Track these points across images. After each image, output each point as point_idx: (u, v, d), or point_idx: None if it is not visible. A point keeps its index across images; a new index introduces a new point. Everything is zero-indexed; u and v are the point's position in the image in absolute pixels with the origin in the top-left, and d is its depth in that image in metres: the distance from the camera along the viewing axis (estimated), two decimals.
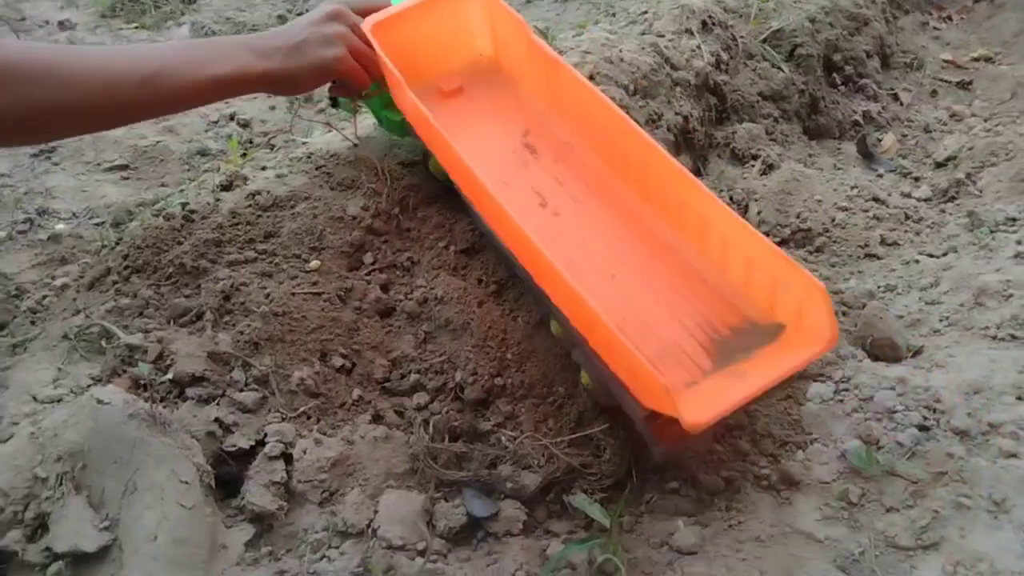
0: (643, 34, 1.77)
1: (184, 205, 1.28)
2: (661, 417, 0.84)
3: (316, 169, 1.37)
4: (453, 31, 1.29)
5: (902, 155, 1.94)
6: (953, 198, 1.66)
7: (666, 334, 0.95)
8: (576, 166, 1.18)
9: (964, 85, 2.29)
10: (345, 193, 1.32)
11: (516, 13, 1.22)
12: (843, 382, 1.05)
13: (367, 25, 1.14)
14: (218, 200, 1.33)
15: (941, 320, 1.19)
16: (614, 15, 2.01)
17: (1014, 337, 1.08)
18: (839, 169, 1.85)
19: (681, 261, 1.03)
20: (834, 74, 2.11)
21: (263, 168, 1.43)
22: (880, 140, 1.99)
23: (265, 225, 1.27)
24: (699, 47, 1.76)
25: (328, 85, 1.22)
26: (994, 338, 1.10)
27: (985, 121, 1.99)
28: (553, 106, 1.24)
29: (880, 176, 1.84)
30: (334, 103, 1.34)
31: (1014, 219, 1.44)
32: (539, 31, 1.82)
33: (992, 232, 1.42)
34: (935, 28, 2.59)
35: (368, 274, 1.22)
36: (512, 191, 1.14)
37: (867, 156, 1.91)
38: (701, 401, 0.81)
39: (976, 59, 2.40)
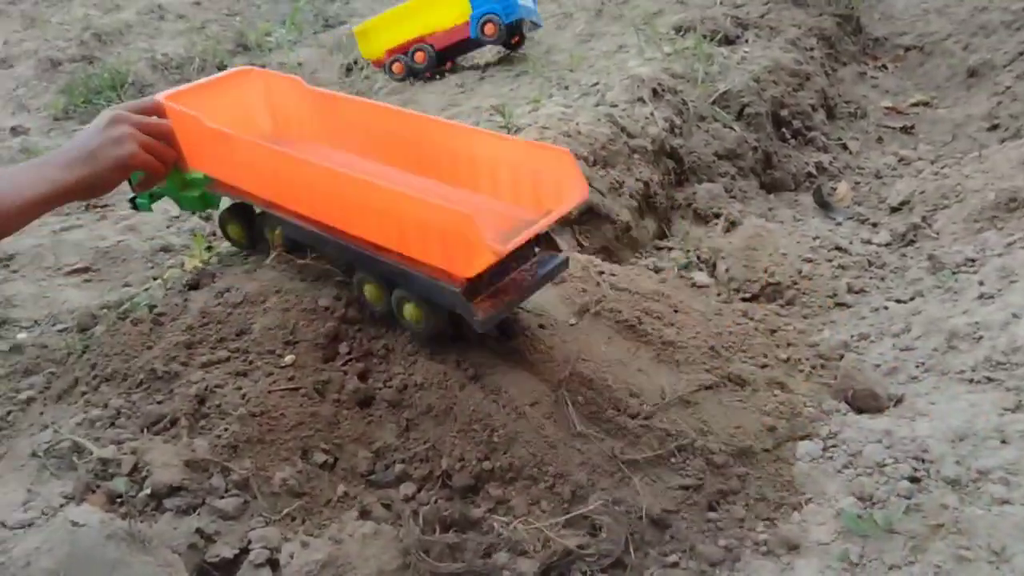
0: (597, 105, 1.82)
1: (152, 308, 1.26)
2: (476, 288, 1.04)
3: (285, 262, 1.37)
4: (234, 111, 1.37)
5: (857, 202, 2.00)
6: (912, 241, 1.71)
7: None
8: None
9: (907, 130, 2.38)
10: (316, 284, 1.31)
11: (291, 76, 1.38)
12: (830, 438, 1.05)
13: (160, 96, 1.23)
14: (187, 300, 1.31)
15: (917, 366, 1.21)
16: (567, 88, 2.06)
17: (990, 379, 1.10)
18: (799, 220, 1.89)
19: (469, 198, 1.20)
20: (783, 129, 2.18)
21: (230, 259, 1.42)
22: (835, 189, 2.05)
23: (236, 323, 1.25)
24: (652, 114, 1.81)
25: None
26: (971, 381, 1.12)
27: (932, 164, 2.06)
28: (340, 137, 1.35)
29: (839, 224, 1.89)
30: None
31: (973, 259, 1.48)
32: (498, 108, 1.86)
33: (954, 274, 1.46)
34: (873, 77, 2.70)
35: (344, 364, 1.20)
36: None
37: (824, 206, 1.96)
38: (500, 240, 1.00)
39: (915, 104, 2.51)
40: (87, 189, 1.13)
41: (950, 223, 1.65)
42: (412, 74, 2.66)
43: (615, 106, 1.81)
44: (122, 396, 1.13)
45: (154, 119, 1.21)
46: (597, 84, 1.96)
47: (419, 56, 2.60)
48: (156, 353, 1.16)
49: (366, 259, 1.14)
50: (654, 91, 1.89)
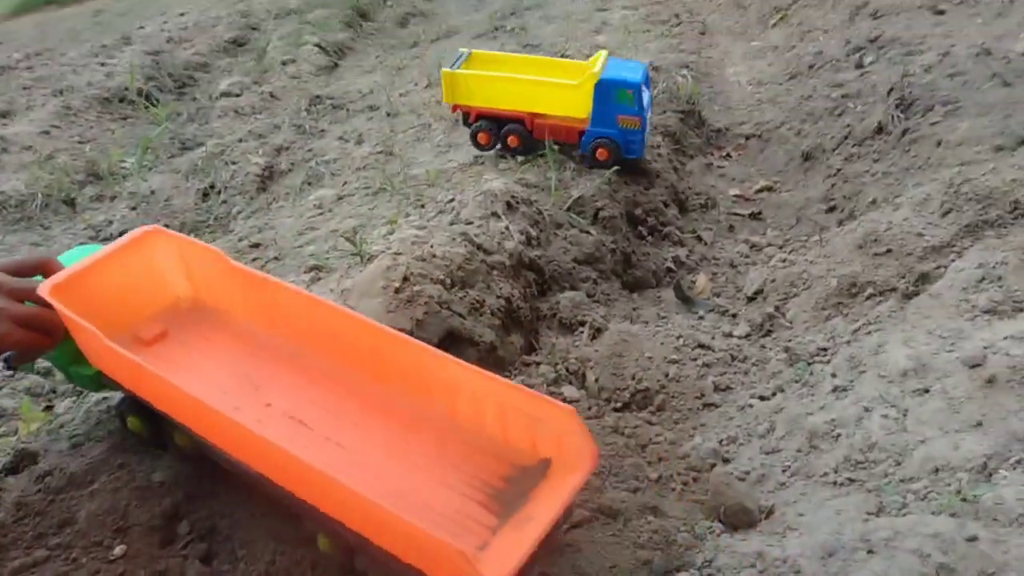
0: (452, 224, 1.80)
1: None
2: None
3: (119, 429, 1.24)
4: (144, 277, 1.25)
5: (716, 293, 2.05)
6: (769, 331, 1.75)
7: (444, 505, 0.96)
8: (309, 375, 1.15)
9: (755, 216, 2.50)
10: (152, 454, 1.19)
11: (211, 247, 1.22)
12: (706, 566, 1.01)
13: (44, 291, 1.06)
14: (1, 490, 1.16)
15: (784, 471, 1.20)
16: (423, 206, 2.05)
17: (851, 480, 1.10)
18: (663, 318, 1.92)
19: (438, 431, 1.05)
20: (640, 227, 2.23)
21: (59, 430, 1.28)
22: (694, 282, 2.10)
23: (59, 512, 1.11)
24: (508, 228, 1.81)
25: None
26: (835, 484, 1.12)
27: (780, 249, 2.15)
28: (271, 323, 1.21)
29: (701, 318, 1.93)
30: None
31: (824, 348, 1.52)
32: (348, 237, 1.81)
33: (809, 364, 1.49)
34: (719, 167, 2.85)
35: (184, 547, 1.08)
36: (249, 414, 1.09)
37: (685, 300, 2.00)
38: (500, 556, 0.85)
39: (760, 190, 2.64)
40: None
41: (801, 311, 1.71)
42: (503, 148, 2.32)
43: (470, 223, 1.80)
44: None
45: (36, 282, 1.06)
46: (453, 200, 1.96)
47: (512, 140, 2.27)
48: None
49: (315, 514, 0.93)
50: (508, 204, 1.90)
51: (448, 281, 1.59)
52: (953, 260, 1.56)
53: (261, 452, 0.95)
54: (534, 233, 1.88)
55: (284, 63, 4.79)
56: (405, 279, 1.53)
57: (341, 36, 5.54)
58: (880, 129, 2.43)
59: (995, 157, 1.96)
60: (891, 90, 2.51)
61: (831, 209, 2.30)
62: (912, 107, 2.40)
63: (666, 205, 2.31)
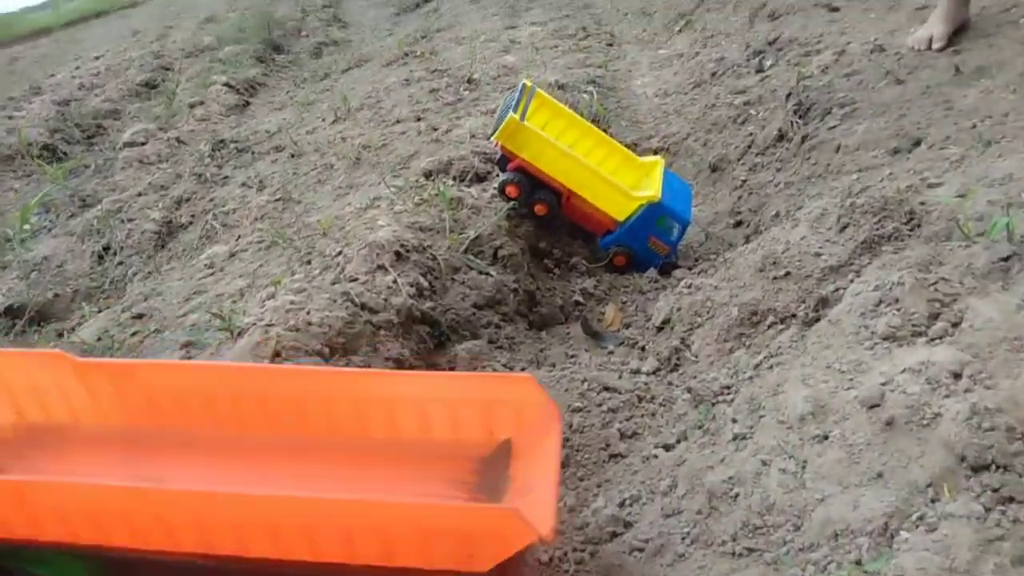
0: (335, 282, 1.69)
1: None
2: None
3: None
4: None
5: (627, 323, 1.97)
6: (676, 366, 1.68)
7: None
8: (215, 449, 1.05)
9: None
10: None
11: (50, 353, 1.10)
12: None
13: None
14: None
15: (683, 538, 1.12)
16: (310, 262, 1.93)
17: (750, 550, 1.02)
18: (572, 358, 1.83)
19: (394, 457, 1.01)
20: (545, 260, 2.15)
21: None
22: (603, 314, 2.02)
23: None
24: (396, 281, 1.71)
25: None
26: (733, 554, 1.04)
27: (689, 271, 2.08)
28: (135, 412, 1.10)
29: (611, 353, 1.84)
30: None
31: (728, 387, 1.45)
32: (217, 313, 1.67)
33: (713, 406, 1.42)
34: None
35: None
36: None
37: (594, 335, 1.92)
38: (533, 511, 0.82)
39: None
40: None
41: (705, 344, 1.64)
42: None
43: (355, 279, 1.69)
44: None
45: None
46: (340, 254, 1.84)
47: (540, 208, 2.12)
48: None
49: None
50: (398, 254, 1.79)
51: (327, 350, 1.48)
52: (852, 280, 1.50)
53: (214, 515, 0.82)
54: (427, 283, 1.78)
55: (192, 105, 4.62)
56: (276, 354, 1.41)
57: (253, 72, 5.39)
58: (781, 136, 2.39)
59: (892, 161, 1.92)
60: (789, 95, 2.48)
61: (738, 224, 2.24)
62: (811, 111, 2.37)
63: (572, 236, 2.23)
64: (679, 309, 1.82)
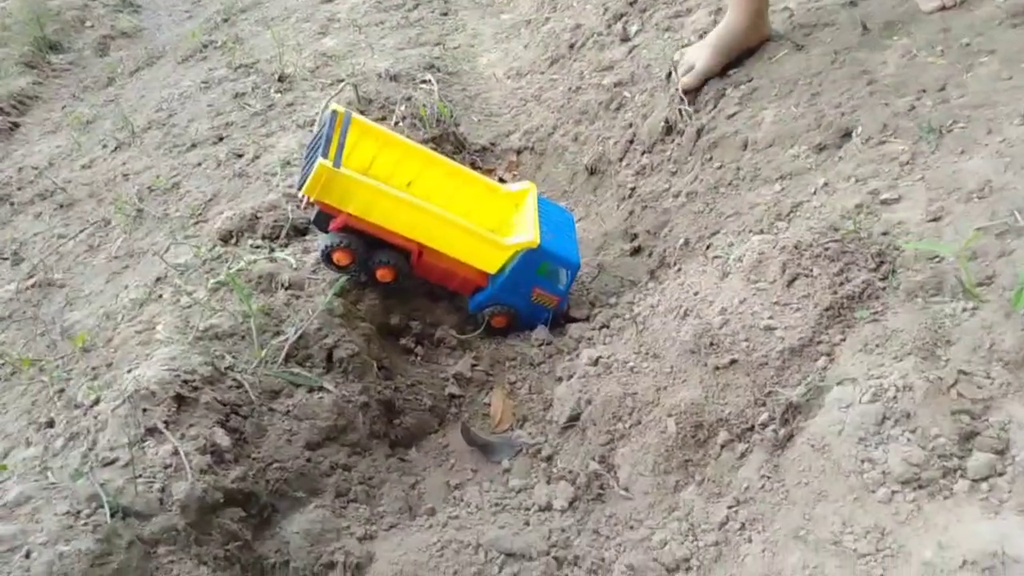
0: (80, 469, 1.10)
1: None
2: None
3: None
4: None
5: (521, 417, 1.49)
6: (600, 496, 1.22)
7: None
8: None
9: None
10: None
11: None
12: None
13: None
14: None
15: None
16: (51, 425, 1.32)
17: None
18: (455, 495, 1.33)
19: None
20: (400, 339, 1.63)
21: None
22: (488, 405, 1.53)
23: None
24: (177, 452, 1.14)
25: None
26: None
27: (589, 326, 1.62)
28: None
29: (508, 470, 1.36)
30: None
31: (686, 559, 1.00)
32: None
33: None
34: None
35: None
36: None
37: (481, 447, 1.43)
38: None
39: None
40: None
41: (637, 473, 1.18)
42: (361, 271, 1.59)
43: (110, 461, 1.11)
44: None
45: None
46: (93, 407, 1.25)
47: (383, 274, 1.58)
48: None
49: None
50: (179, 400, 1.22)
51: None
52: (824, 368, 1.08)
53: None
54: (229, 438, 1.22)
55: None
56: None
57: (22, 83, 4.45)
58: (670, 128, 1.94)
59: (820, 163, 1.51)
60: (669, 74, 2.03)
61: (636, 251, 1.79)
62: (699, 94, 1.93)
63: (433, 298, 1.71)
64: (588, 403, 1.35)
